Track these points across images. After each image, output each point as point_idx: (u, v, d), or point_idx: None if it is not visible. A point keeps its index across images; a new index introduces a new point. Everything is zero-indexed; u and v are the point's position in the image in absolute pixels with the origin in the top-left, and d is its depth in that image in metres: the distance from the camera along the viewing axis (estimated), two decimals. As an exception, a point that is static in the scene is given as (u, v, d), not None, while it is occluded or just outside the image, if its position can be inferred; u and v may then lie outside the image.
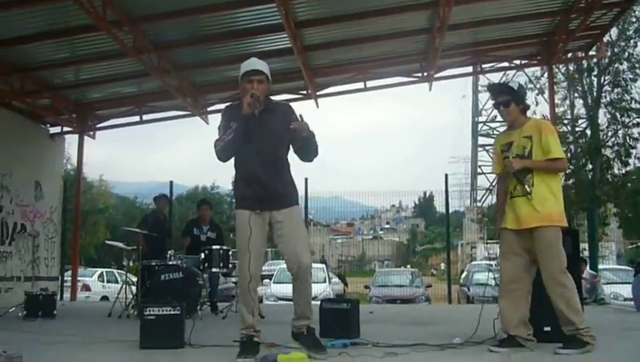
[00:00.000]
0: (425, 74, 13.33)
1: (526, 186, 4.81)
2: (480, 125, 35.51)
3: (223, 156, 4.49)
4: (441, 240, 62.34)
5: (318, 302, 5.96)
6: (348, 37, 11.72)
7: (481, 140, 35.49)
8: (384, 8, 10.64)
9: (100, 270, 22.99)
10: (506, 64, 14.04)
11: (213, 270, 8.71)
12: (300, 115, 4.44)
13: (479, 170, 35.81)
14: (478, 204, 39.02)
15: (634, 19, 17.33)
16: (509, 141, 4.99)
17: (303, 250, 4.50)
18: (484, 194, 34.98)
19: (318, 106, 13.68)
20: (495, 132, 34.07)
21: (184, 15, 9.97)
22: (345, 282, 22.43)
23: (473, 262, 34.27)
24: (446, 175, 14.65)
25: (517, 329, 4.82)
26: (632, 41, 17.44)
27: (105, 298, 18.22)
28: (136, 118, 14.42)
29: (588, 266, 12.90)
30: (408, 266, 38.26)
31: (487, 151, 33.67)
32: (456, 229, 70.14)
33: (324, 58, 12.63)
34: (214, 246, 8.75)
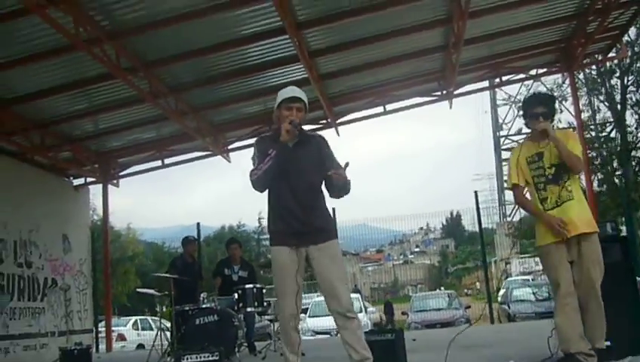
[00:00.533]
0: (444, 92, 13.19)
1: (568, 186, 4.74)
2: (502, 139, 35.18)
3: (260, 185, 4.27)
4: (473, 259, 61.72)
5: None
6: (362, 62, 11.62)
7: (505, 154, 35.01)
8: (396, 30, 10.56)
9: (133, 318, 22.85)
10: (523, 75, 13.85)
11: (248, 309, 8.47)
12: (347, 163, 4.25)
13: (505, 185, 35.36)
14: (509, 219, 38.43)
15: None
16: (539, 152, 4.87)
17: (341, 286, 4.26)
18: (513, 208, 34.48)
19: (338, 134, 13.57)
20: (516, 144, 33.63)
21: (195, 56, 9.98)
22: (391, 311, 21.71)
23: (509, 279, 33.67)
24: (475, 192, 14.38)
25: (577, 346, 4.56)
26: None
27: (141, 346, 18.07)
28: (158, 163, 14.40)
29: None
30: (442, 288, 37.71)
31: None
32: (487, 246, 69.34)
33: (341, 85, 12.54)
34: (247, 285, 8.54)
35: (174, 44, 9.66)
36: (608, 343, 4.77)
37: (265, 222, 42.30)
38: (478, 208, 14.04)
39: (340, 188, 4.33)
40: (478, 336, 9.84)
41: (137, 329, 21.30)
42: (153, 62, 10.05)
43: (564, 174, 4.74)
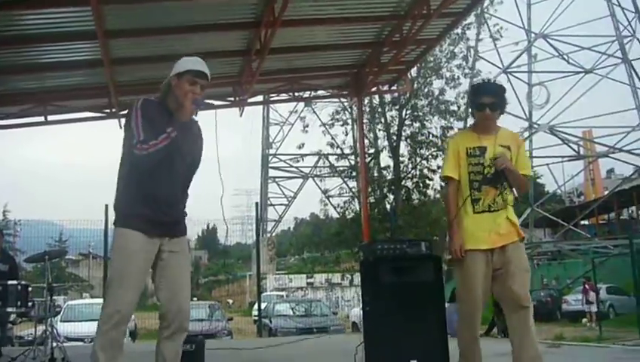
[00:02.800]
0: (237, 98, 12.89)
1: (505, 194, 4.33)
2: (270, 157, 35.92)
3: (147, 163, 3.60)
4: (225, 273, 62.08)
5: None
6: (159, 53, 10.84)
7: (272, 172, 35.84)
8: (201, 25, 10.03)
9: None
10: (320, 92, 14.11)
11: (9, 309, 7.32)
12: None
13: (269, 202, 36.01)
14: (268, 235, 39.20)
15: (431, 58, 18.54)
16: (481, 145, 4.39)
17: (188, 290, 3.77)
18: (274, 225, 35.30)
19: (121, 127, 12.54)
20: (284, 163, 34.67)
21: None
22: None
23: (264, 294, 34.23)
24: (257, 203, 14.27)
25: None
26: (428, 79, 18.64)
27: None
28: None
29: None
30: (195, 299, 37.11)
31: (277, 183, 34.17)
32: (239, 261, 70.40)
33: (132, 75, 11.65)
34: (10, 282, 7.39)
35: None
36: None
37: (11, 216, 38.35)
38: (257, 219, 13.92)
39: None
40: (275, 352, 9.49)
41: None
42: None
43: (503, 178, 4.31)
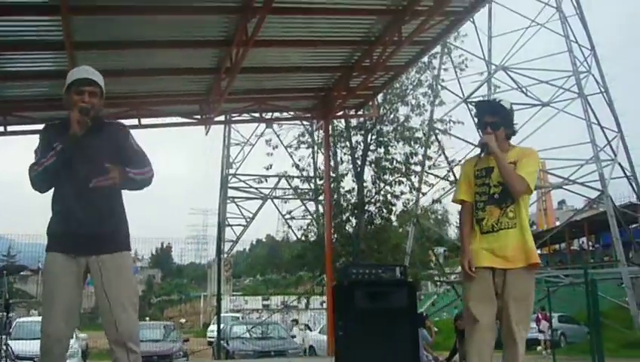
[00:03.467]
0: (204, 116, 12.79)
1: (510, 212, 4.12)
2: (230, 177, 35.69)
3: (39, 184, 3.58)
4: (178, 292, 61.22)
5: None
6: (122, 66, 10.65)
7: (231, 192, 35.59)
8: (172, 40, 9.95)
9: None
10: (286, 114, 14.09)
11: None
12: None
13: (227, 222, 35.74)
14: (225, 255, 38.81)
15: (397, 85, 18.70)
16: (488, 166, 4.25)
17: (123, 309, 3.54)
18: (231, 246, 35.01)
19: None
20: (244, 184, 34.40)
21: None
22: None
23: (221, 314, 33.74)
24: (219, 222, 14.16)
25: None
26: (394, 105, 18.80)
27: None
28: None
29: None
30: (147, 319, 36.48)
31: (236, 203, 34.03)
32: (192, 281, 69.58)
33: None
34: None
35: None
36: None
37: None
38: (219, 240, 13.75)
39: (127, 187, 3.74)
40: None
41: None
42: None
43: (509, 197, 4.13)
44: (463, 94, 27.92)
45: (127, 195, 3.81)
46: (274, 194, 31.15)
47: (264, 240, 64.84)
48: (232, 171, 36.02)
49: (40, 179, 3.56)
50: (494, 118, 4.27)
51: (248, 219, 33.62)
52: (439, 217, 42.72)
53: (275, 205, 30.80)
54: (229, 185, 35.48)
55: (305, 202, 28.22)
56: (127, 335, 3.50)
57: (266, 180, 28.95)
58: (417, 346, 5.05)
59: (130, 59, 10.52)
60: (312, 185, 23.81)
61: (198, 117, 12.85)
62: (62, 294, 3.50)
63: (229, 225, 36.15)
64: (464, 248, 4.23)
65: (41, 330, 3.54)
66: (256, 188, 31.43)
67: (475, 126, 4.71)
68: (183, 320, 45.97)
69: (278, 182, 30.45)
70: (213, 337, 28.34)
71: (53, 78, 10.36)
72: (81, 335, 17.62)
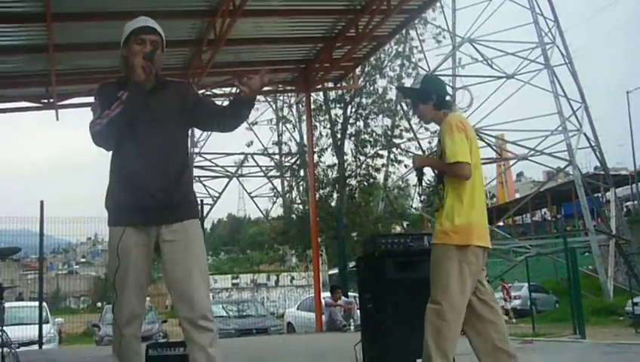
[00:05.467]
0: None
1: (441, 193, 4.03)
2: (195, 156, 35.01)
3: (105, 138, 3.18)
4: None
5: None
6: (101, 40, 10.23)
7: (196, 172, 34.84)
8: (152, 11, 9.51)
9: None
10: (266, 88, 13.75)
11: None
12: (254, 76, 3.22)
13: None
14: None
15: (374, 57, 18.49)
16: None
17: (199, 284, 3.18)
18: (200, 225, 34.53)
19: (58, 119, 11.85)
20: (210, 163, 33.92)
21: None
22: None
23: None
24: (201, 200, 13.72)
25: None
26: (372, 78, 18.58)
27: None
28: None
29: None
30: (147, 300, 35.82)
31: (202, 182, 33.48)
32: (154, 262, 68.59)
33: (72, 62, 10.97)
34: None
35: None
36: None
37: None
38: (202, 219, 13.38)
39: (245, 110, 3.33)
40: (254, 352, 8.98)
41: None
42: None
43: (440, 178, 4.07)
44: (429, 68, 27.89)
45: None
46: (240, 172, 30.74)
47: (225, 219, 64.48)
48: (196, 150, 35.52)
49: (105, 132, 3.15)
50: (408, 99, 4.12)
51: (215, 198, 33.18)
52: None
53: (240, 183, 30.43)
54: (195, 164, 34.92)
55: (271, 179, 27.97)
56: (203, 313, 3.14)
57: (252, 158, 28.24)
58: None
59: (110, 31, 10.06)
60: (290, 162, 23.49)
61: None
62: (133, 272, 3.18)
63: (193, 204, 35.67)
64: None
65: (113, 311, 3.25)
66: (222, 167, 30.94)
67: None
68: (147, 301, 45.41)
69: (244, 160, 30.04)
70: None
71: (28, 52, 9.89)
72: (58, 320, 17.20)
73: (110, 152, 3.30)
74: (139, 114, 3.17)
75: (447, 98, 4.27)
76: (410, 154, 19.44)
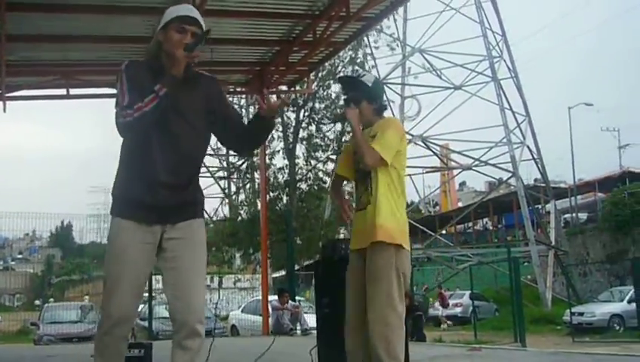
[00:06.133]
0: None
1: (370, 190, 3.87)
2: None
3: (135, 132, 3.01)
4: (80, 272, 59.12)
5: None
6: (57, 32, 10.00)
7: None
8: (112, 6, 9.39)
9: None
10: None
11: None
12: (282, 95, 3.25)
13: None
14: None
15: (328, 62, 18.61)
16: None
17: (199, 286, 3.11)
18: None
19: (5, 111, 11.50)
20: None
21: None
22: None
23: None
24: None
25: None
26: (326, 83, 18.69)
27: None
28: None
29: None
30: (52, 299, 34.96)
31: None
32: (95, 261, 67.38)
33: (21, 52, 10.67)
34: None
35: None
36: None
37: None
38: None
39: (264, 134, 3.33)
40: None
41: None
42: None
43: (368, 173, 3.91)
44: (379, 75, 28.22)
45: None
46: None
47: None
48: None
49: (136, 126, 2.97)
50: (351, 91, 4.12)
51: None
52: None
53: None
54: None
55: (218, 180, 27.80)
56: (199, 318, 3.06)
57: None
58: (417, 322, 4.98)
59: (61, 24, 9.86)
60: (238, 163, 23.38)
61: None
62: (131, 269, 3.03)
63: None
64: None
65: (102, 308, 3.13)
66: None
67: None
68: (86, 300, 44.46)
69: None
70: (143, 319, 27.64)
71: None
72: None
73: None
74: (169, 108, 3.04)
75: (385, 109, 4.33)
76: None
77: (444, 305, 25.04)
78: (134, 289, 3.09)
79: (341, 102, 18.79)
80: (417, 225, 31.73)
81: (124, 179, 3.14)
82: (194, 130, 3.16)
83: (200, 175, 3.38)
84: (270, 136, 19.34)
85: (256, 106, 3.37)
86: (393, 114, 29.21)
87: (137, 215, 3.07)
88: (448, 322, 24.74)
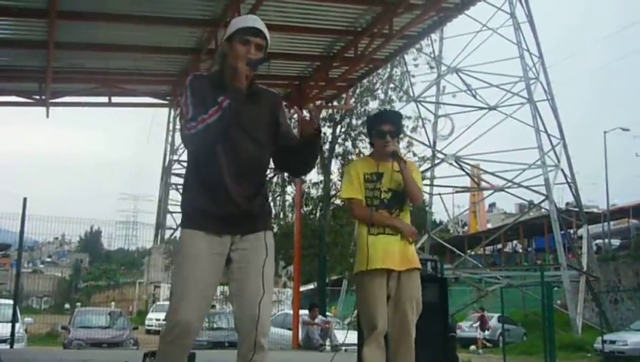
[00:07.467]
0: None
1: (398, 216, 4.41)
2: (174, 163, 34.78)
3: (199, 144, 3.05)
4: (106, 278, 59.76)
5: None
6: (99, 41, 10.18)
7: (174, 179, 34.59)
8: (158, 17, 9.52)
9: None
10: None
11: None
12: (311, 110, 3.25)
13: (169, 209, 34.65)
14: (165, 243, 38.06)
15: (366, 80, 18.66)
16: (379, 172, 4.43)
17: (267, 300, 3.07)
18: (172, 233, 34.10)
19: (48, 116, 11.72)
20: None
21: None
22: None
23: (157, 303, 33.08)
24: (159, 208, 13.62)
25: None
26: (364, 99, 18.70)
27: None
28: None
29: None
30: (79, 304, 35.36)
31: (178, 190, 33.17)
32: (122, 267, 68.07)
33: (67, 59, 10.85)
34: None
35: None
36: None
37: None
38: (158, 225, 13.28)
39: (309, 155, 3.27)
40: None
41: None
42: None
43: (398, 204, 4.42)
44: (414, 93, 28.19)
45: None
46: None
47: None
48: (175, 158, 35.27)
49: (201, 138, 3.00)
50: (393, 126, 4.51)
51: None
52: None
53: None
54: (173, 171, 34.70)
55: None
56: (265, 332, 3.04)
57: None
58: (450, 343, 4.93)
59: (105, 33, 10.02)
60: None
61: (170, 98, 12.41)
62: (200, 278, 3.03)
63: (170, 212, 35.30)
64: (374, 216, 4.37)
65: (168, 317, 3.12)
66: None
67: (369, 134, 4.82)
68: (112, 306, 44.85)
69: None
70: (151, 326, 27.84)
71: (26, 47, 9.79)
72: (27, 319, 16.88)
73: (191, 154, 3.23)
74: (232, 120, 3.06)
75: None
76: None
77: (484, 329, 24.46)
78: (202, 300, 3.07)
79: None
80: (447, 244, 31.59)
81: (192, 190, 3.19)
82: (257, 143, 3.18)
83: (266, 183, 3.41)
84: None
85: (295, 121, 3.38)
86: (426, 132, 29.19)
87: (206, 225, 3.09)
88: (488, 344, 24.13)
